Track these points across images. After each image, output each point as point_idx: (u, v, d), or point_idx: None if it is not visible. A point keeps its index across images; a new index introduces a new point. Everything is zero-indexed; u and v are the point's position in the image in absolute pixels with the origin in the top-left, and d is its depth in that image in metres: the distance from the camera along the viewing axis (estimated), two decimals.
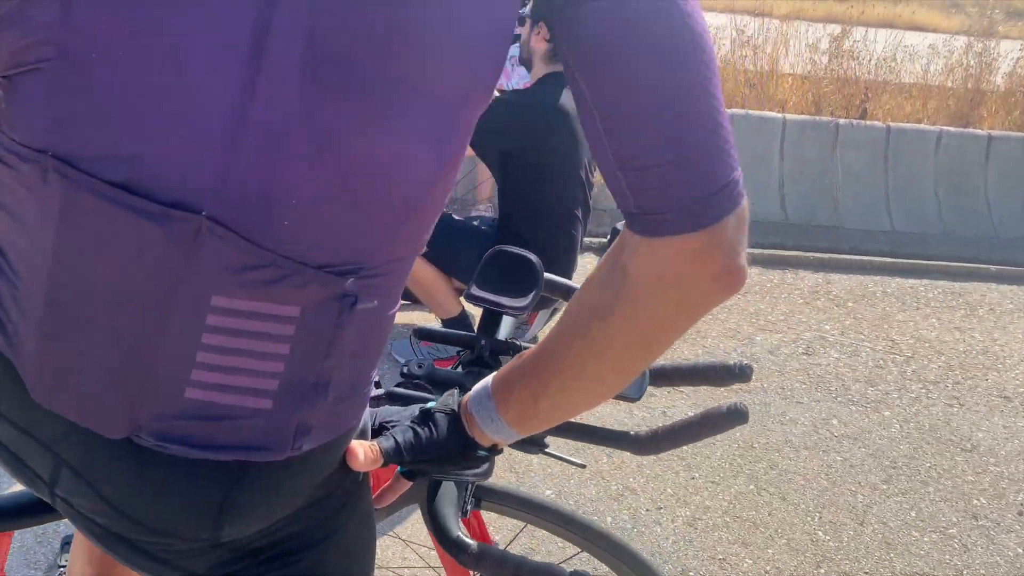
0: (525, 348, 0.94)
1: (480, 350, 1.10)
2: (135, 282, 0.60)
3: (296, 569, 0.75)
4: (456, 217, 2.93)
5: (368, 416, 0.83)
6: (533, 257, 1.08)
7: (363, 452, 0.76)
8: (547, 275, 1.10)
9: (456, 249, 2.74)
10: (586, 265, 3.94)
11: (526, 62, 2.90)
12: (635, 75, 0.58)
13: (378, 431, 0.84)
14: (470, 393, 0.80)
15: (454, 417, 0.79)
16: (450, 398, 0.82)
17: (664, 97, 0.58)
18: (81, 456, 0.67)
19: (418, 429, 0.79)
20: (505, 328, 1.14)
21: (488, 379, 0.79)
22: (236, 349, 0.62)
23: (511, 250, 1.09)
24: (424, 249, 0.72)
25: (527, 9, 2.82)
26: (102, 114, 0.56)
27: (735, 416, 0.96)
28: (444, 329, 1.17)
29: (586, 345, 0.69)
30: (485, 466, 0.89)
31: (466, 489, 1.10)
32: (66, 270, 0.61)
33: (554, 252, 2.79)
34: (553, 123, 2.73)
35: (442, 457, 0.79)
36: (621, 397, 1.05)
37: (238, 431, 0.65)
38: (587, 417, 0.99)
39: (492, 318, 1.13)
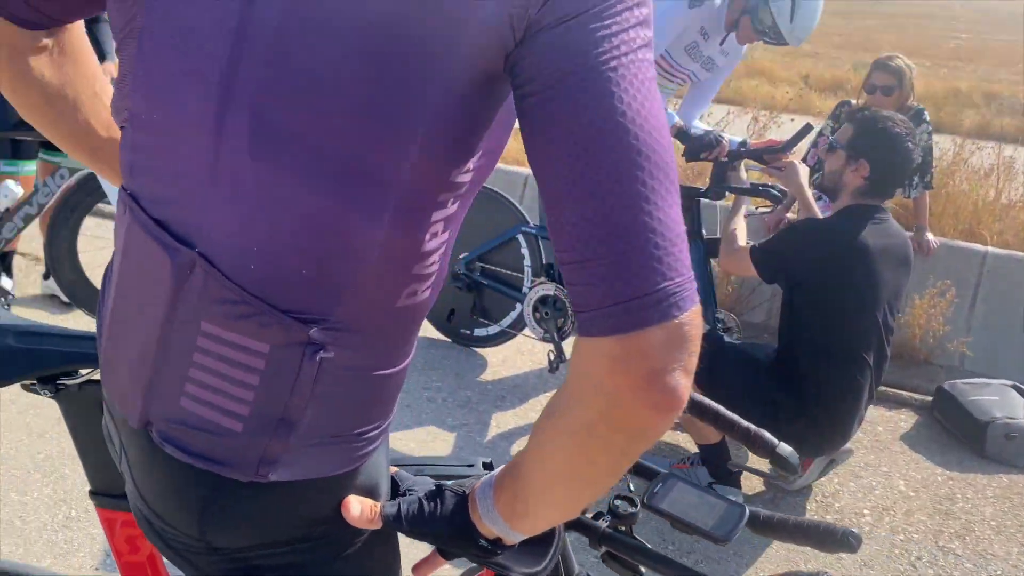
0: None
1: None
2: (152, 300, 0.72)
3: None
4: (728, 339, 2.82)
5: (389, 474, 0.87)
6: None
7: (360, 508, 0.79)
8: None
9: (722, 374, 2.61)
10: (896, 420, 3.49)
11: (830, 191, 2.74)
12: (561, 166, 0.60)
13: (403, 495, 0.86)
14: (482, 479, 0.79)
15: (462, 499, 0.80)
16: (474, 480, 0.82)
17: (585, 190, 0.58)
18: (128, 439, 0.81)
19: (424, 502, 0.80)
20: None
21: (499, 469, 0.79)
22: (218, 372, 0.71)
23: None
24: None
25: (839, 138, 2.67)
26: (146, 164, 0.72)
27: (846, 542, 0.92)
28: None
29: (541, 451, 0.69)
30: (537, 568, 0.86)
31: None
32: (122, 286, 0.76)
33: (834, 394, 2.55)
34: (852, 259, 2.53)
35: (440, 534, 0.79)
36: (708, 536, 0.94)
37: (213, 445, 0.74)
38: None
39: None
